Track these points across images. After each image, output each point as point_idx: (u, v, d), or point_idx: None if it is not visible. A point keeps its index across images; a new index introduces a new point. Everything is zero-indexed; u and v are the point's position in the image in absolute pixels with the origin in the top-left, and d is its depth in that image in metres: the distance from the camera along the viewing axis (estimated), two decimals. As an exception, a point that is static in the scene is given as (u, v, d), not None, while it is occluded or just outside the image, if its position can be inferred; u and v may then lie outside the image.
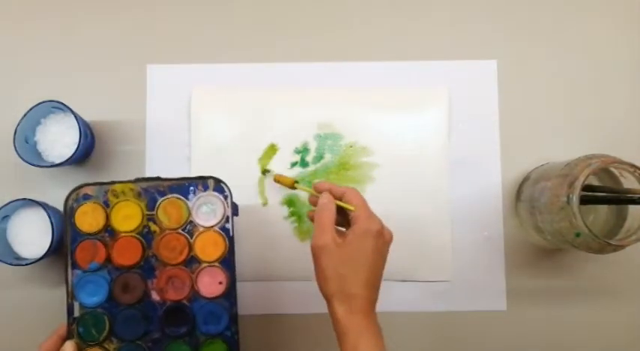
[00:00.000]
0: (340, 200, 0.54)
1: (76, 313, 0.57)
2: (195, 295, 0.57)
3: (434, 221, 0.66)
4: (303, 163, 0.67)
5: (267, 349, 0.66)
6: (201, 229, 0.58)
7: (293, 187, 0.62)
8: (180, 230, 0.58)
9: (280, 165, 0.67)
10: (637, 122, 0.68)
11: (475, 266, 0.66)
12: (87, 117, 0.66)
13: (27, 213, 0.63)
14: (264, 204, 0.66)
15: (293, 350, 0.66)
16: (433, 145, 0.67)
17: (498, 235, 0.67)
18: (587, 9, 0.70)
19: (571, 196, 0.54)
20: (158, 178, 0.59)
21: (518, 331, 0.66)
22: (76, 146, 0.61)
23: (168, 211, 0.58)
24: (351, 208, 0.53)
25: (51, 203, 0.64)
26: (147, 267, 0.58)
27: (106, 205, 0.58)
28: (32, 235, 0.62)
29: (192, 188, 0.59)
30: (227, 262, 0.58)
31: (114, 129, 0.68)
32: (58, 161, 0.62)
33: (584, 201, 0.55)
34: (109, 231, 0.58)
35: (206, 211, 0.59)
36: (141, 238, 0.58)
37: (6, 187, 0.66)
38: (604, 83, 0.69)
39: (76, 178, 0.67)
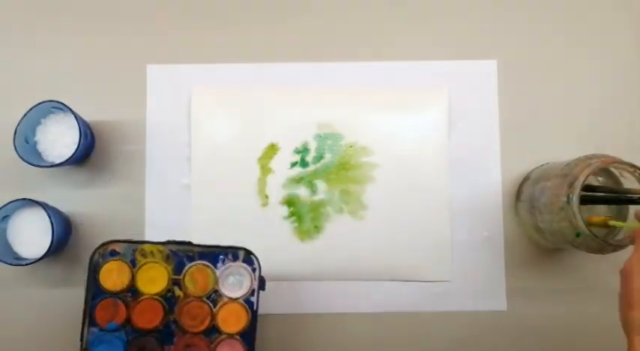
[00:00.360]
0: None
1: None
2: None
3: (434, 221, 0.66)
4: (303, 163, 0.67)
5: (266, 348, 0.66)
6: (225, 300, 0.57)
7: (607, 226, 0.56)
8: (204, 298, 0.57)
9: (280, 165, 0.67)
10: (637, 122, 0.68)
11: (475, 266, 0.66)
12: (87, 117, 0.66)
13: (27, 213, 0.63)
14: (264, 204, 0.66)
15: (292, 350, 0.66)
16: (433, 145, 0.67)
17: (498, 235, 0.67)
18: (587, 9, 0.70)
19: (571, 196, 0.54)
20: (189, 243, 0.57)
21: (518, 331, 0.66)
22: (76, 146, 0.61)
23: (195, 277, 0.57)
24: None
25: (51, 203, 0.64)
26: (166, 332, 0.56)
27: (133, 264, 0.57)
28: (32, 235, 0.62)
29: (221, 257, 0.57)
30: (248, 336, 0.56)
31: (114, 129, 0.68)
32: (58, 161, 0.62)
33: (584, 201, 0.55)
34: (132, 291, 0.57)
35: (233, 282, 0.58)
36: (164, 301, 0.57)
37: (6, 187, 0.66)
38: (604, 83, 0.69)
39: (76, 178, 0.67)
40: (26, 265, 0.61)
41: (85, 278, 0.57)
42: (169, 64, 0.68)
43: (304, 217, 0.66)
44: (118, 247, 0.57)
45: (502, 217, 0.67)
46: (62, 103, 0.62)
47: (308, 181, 0.66)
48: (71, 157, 0.61)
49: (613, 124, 0.68)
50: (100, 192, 0.67)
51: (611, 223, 0.55)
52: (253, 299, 0.57)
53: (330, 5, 0.70)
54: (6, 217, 0.63)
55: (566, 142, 0.67)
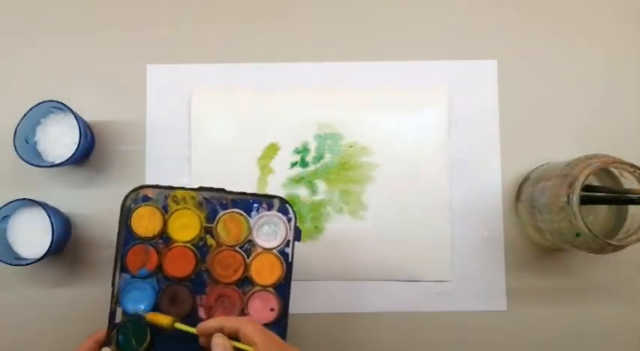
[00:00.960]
0: (235, 337, 0.47)
1: (118, 319, 0.54)
2: None
3: (434, 221, 0.66)
4: (303, 163, 0.67)
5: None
6: (259, 250, 0.55)
7: (172, 328, 0.51)
8: (237, 248, 0.55)
9: (280, 165, 0.67)
10: (637, 122, 0.68)
11: (475, 266, 0.66)
12: (87, 117, 0.66)
13: (27, 213, 0.63)
14: (264, 204, 0.66)
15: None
16: (433, 145, 0.67)
17: (498, 235, 0.67)
18: (587, 9, 0.70)
19: (571, 196, 0.54)
20: (223, 190, 0.56)
21: (518, 331, 0.66)
22: (76, 146, 0.61)
23: (228, 225, 0.55)
24: (250, 349, 0.46)
25: (51, 203, 0.64)
26: (198, 281, 0.55)
27: (165, 210, 0.55)
28: (32, 235, 0.62)
29: (255, 205, 0.56)
30: (282, 288, 0.55)
31: (114, 129, 0.68)
32: (58, 161, 0.62)
33: (584, 201, 0.55)
34: (164, 238, 0.55)
35: (267, 231, 0.56)
36: (196, 250, 0.55)
37: (6, 187, 0.66)
38: (604, 83, 0.69)
39: (76, 178, 0.67)
40: (26, 265, 0.61)
41: (117, 224, 0.55)
42: (169, 64, 0.68)
43: (304, 217, 0.66)
44: (150, 192, 0.55)
45: (502, 217, 0.67)
46: (62, 103, 0.62)
47: (308, 181, 0.67)
48: (71, 157, 0.61)
49: (613, 124, 0.68)
50: (100, 192, 0.67)
51: (177, 325, 0.51)
52: (288, 250, 0.55)
53: (330, 5, 0.70)
54: (6, 217, 0.63)
55: (566, 142, 0.67)
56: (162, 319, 0.52)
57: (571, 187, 0.54)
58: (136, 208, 0.55)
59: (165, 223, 0.55)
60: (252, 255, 0.55)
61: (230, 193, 0.56)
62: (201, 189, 0.56)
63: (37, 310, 0.65)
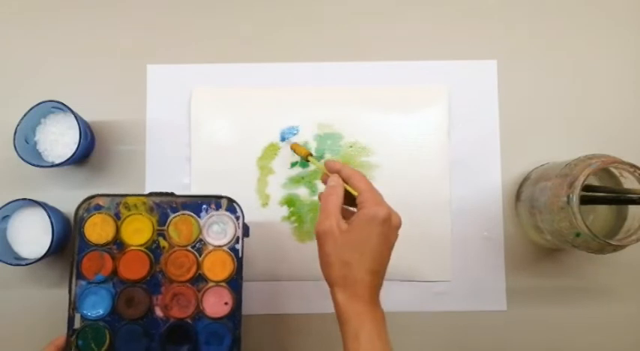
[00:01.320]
0: (347, 183, 0.52)
1: (77, 325, 0.56)
2: (199, 314, 0.57)
3: (434, 221, 0.66)
4: (303, 163, 0.67)
5: (266, 348, 0.66)
6: (210, 248, 0.58)
7: (306, 160, 0.61)
8: (189, 247, 0.58)
9: (280, 165, 0.67)
10: (637, 122, 0.68)
11: (475, 266, 0.66)
12: (87, 117, 0.66)
13: (27, 213, 0.63)
14: (264, 204, 0.66)
15: (291, 350, 0.66)
16: (433, 145, 0.67)
17: (498, 235, 0.67)
18: (587, 9, 0.70)
19: (571, 196, 0.54)
20: (172, 194, 0.58)
21: (518, 331, 0.66)
22: (76, 146, 0.61)
23: (179, 227, 0.58)
24: (355, 193, 0.51)
25: (51, 203, 0.64)
26: (153, 282, 0.57)
27: (117, 217, 0.58)
28: (32, 235, 0.62)
29: (204, 206, 0.58)
30: (234, 282, 0.57)
31: (114, 129, 0.68)
32: (58, 161, 0.62)
33: (584, 201, 0.55)
34: (117, 243, 0.58)
35: (217, 230, 0.59)
36: (149, 252, 0.58)
37: (6, 187, 0.66)
38: (604, 83, 0.69)
39: (76, 178, 0.67)
40: (26, 265, 0.61)
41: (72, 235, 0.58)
42: (169, 64, 0.69)
43: (304, 217, 0.66)
44: (101, 201, 0.58)
45: (502, 217, 0.67)
46: (62, 103, 0.62)
47: (308, 181, 0.67)
48: (71, 157, 0.61)
49: (613, 125, 0.68)
50: (100, 192, 0.66)
51: (311, 158, 0.61)
52: (238, 246, 0.58)
53: (330, 5, 0.70)
54: (6, 217, 0.63)
55: (566, 142, 0.67)
56: (301, 150, 0.62)
57: (571, 187, 0.54)
58: (89, 217, 0.58)
59: (118, 229, 0.58)
60: (204, 253, 0.58)
61: (179, 196, 0.59)
62: (151, 194, 0.59)
63: (37, 310, 0.65)
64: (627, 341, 0.66)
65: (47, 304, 0.65)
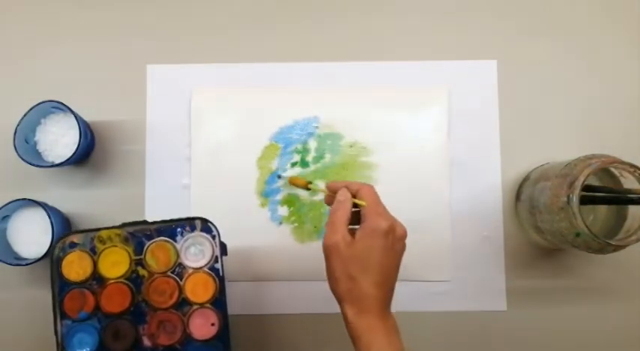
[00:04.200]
0: (355, 197, 0.52)
1: None
2: (187, 338, 0.57)
3: (434, 221, 0.66)
4: (303, 163, 0.67)
5: (265, 349, 0.66)
6: (190, 271, 0.58)
7: (307, 189, 0.60)
8: (169, 273, 0.58)
9: (280, 165, 0.67)
10: (637, 122, 0.68)
11: (475, 266, 0.66)
12: (87, 117, 0.66)
13: (27, 213, 0.63)
14: (263, 204, 0.66)
15: (291, 350, 0.66)
16: (433, 145, 0.67)
17: (498, 235, 0.67)
18: (587, 9, 0.70)
19: (571, 196, 0.54)
20: (144, 222, 0.58)
21: (518, 331, 0.66)
22: (76, 146, 0.61)
23: (156, 254, 0.58)
24: (363, 204, 0.51)
25: (51, 203, 0.64)
26: (137, 312, 0.57)
27: (93, 252, 0.58)
28: (32, 235, 0.62)
29: (179, 230, 0.58)
30: (219, 302, 0.57)
31: (114, 129, 0.68)
32: (58, 161, 0.62)
33: (584, 201, 0.55)
34: (97, 278, 0.57)
35: (194, 252, 0.58)
36: (130, 283, 0.57)
37: (6, 187, 0.66)
38: (604, 83, 0.69)
39: (76, 178, 0.67)
40: (26, 265, 0.61)
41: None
42: (169, 64, 0.69)
43: (304, 218, 0.66)
44: (76, 238, 0.58)
45: (502, 217, 0.67)
46: (62, 103, 0.62)
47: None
48: (71, 157, 0.61)
49: (613, 124, 0.68)
50: (100, 192, 0.67)
51: (312, 186, 0.60)
52: (218, 266, 0.58)
53: (329, 5, 0.70)
54: (6, 217, 0.63)
55: (566, 142, 0.67)
56: (300, 181, 0.61)
57: (571, 187, 0.54)
58: (65, 256, 0.57)
59: (95, 264, 0.57)
60: (185, 277, 0.58)
61: (152, 223, 0.58)
62: (123, 225, 0.58)
63: (37, 310, 0.65)
64: (627, 341, 0.66)
65: (47, 304, 0.65)
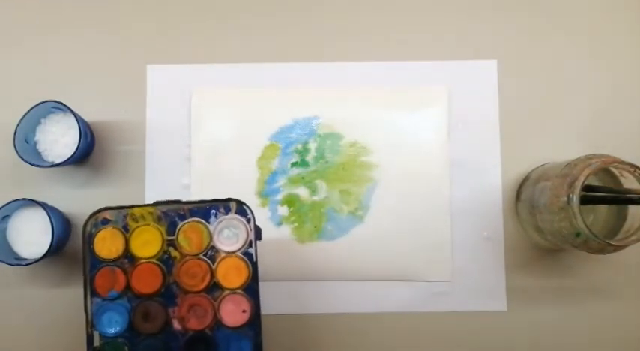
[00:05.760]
0: None
1: (96, 343, 0.55)
2: (217, 323, 0.55)
3: (434, 221, 0.66)
4: (303, 163, 0.67)
5: (267, 349, 0.66)
6: (223, 255, 0.56)
7: None
8: (201, 255, 0.56)
9: (280, 165, 0.67)
10: (637, 122, 0.68)
11: (475, 266, 0.66)
12: (87, 117, 0.66)
13: (27, 213, 0.63)
14: (263, 204, 0.66)
15: (291, 350, 0.66)
16: (433, 145, 0.67)
17: (498, 235, 0.67)
18: (587, 9, 0.70)
19: (571, 196, 0.54)
20: (178, 202, 0.57)
21: (518, 331, 0.66)
22: (76, 146, 0.61)
23: (189, 235, 0.56)
24: None
25: (51, 203, 0.64)
26: (168, 294, 0.56)
27: (125, 230, 0.56)
28: (32, 235, 0.62)
29: (213, 211, 0.56)
30: (251, 288, 0.56)
31: (114, 129, 0.68)
32: (58, 161, 0.62)
33: (584, 201, 0.55)
34: (128, 257, 0.56)
35: (228, 235, 0.57)
36: (161, 264, 0.56)
37: (6, 187, 0.66)
38: (604, 83, 0.69)
39: (76, 178, 0.67)
40: (26, 265, 0.61)
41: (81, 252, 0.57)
42: (169, 64, 0.69)
43: (304, 218, 0.66)
44: (108, 215, 0.56)
45: (502, 217, 0.67)
46: (62, 103, 0.62)
47: (308, 181, 0.67)
48: (71, 157, 0.61)
49: (613, 124, 0.68)
50: (100, 192, 0.67)
51: None
52: (251, 251, 0.56)
53: (329, 5, 0.70)
54: (6, 217, 0.63)
55: (566, 142, 0.67)
56: None
57: (571, 187, 0.54)
58: (97, 232, 0.56)
59: (127, 242, 0.56)
60: (217, 260, 0.56)
61: (186, 203, 0.57)
62: (157, 204, 0.57)
63: (37, 310, 0.65)
64: (627, 341, 0.66)
65: (47, 304, 0.65)
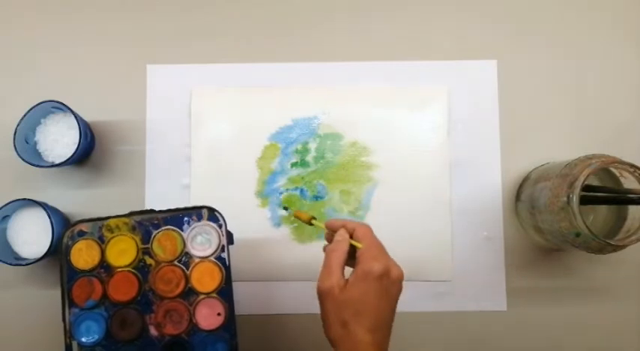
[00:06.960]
0: (351, 237, 0.51)
1: None
2: (193, 328, 0.57)
3: (434, 221, 0.66)
4: (303, 163, 0.67)
5: (266, 348, 0.66)
6: (196, 260, 0.58)
7: (310, 224, 0.57)
8: (175, 262, 0.58)
9: (280, 165, 0.67)
10: (637, 122, 0.68)
11: (475, 266, 0.66)
12: (87, 117, 0.66)
13: (27, 213, 0.63)
14: (263, 204, 0.66)
15: (290, 350, 0.66)
16: (433, 145, 0.67)
17: (498, 235, 0.67)
18: (587, 9, 0.70)
19: (571, 196, 0.54)
20: (152, 211, 0.58)
21: (518, 331, 0.66)
22: (76, 146, 0.61)
23: (163, 243, 0.58)
24: (360, 245, 0.49)
25: (51, 203, 0.64)
26: (144, 302, 0.57)
27: (101, 240, 0.58)
28: (32, 235, 0.62)
29: (186, 219, 0.58)
30: (225, 292, 0.57)
31: (114, 129, 0.68)
32: (58, 161, 0.62)
33: (584, 201, 0.55)
34: (104, 267, 0.58)
35: (201, 241, 0.58)
36: (137, 272, 0.58)
37: (6, 187, 0.66)
38: (604, 83, 0.69)
39: (76, 178, 0.67)
40: (26, 265, 0.61)
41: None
42: (169, 64, 0.69)
43: (304, 217, 0.66)
44: (84, 227, 0.58)
45: (502, 217, 0.67)
46: (62, 103, 0.62)
47: (308, 181, 0.67)
48: (71, 157, 0.61)
49: (613, 125, 0.68)
50: (100, 192, 0.67)
51: (315, 222, 0.55)
52: (224, 255, 0.58)
53: (329, 5, 0.70)
54: (6, 217, 0.63)
55: (566, 142, 0.67)
56: (303, 216, 0.56)
57: (571, 187, 0.54)
58: (74, 244, 0.58)
59: (103, 252, 0.58)
60: (191, 266, 0.58)
61: (160, 212, 0.58)
62: (131, 214, 0.58)
63: (37, 310, 0.65)
64: (627, 341, 0.66)
65: (47, 304, 0.65)
